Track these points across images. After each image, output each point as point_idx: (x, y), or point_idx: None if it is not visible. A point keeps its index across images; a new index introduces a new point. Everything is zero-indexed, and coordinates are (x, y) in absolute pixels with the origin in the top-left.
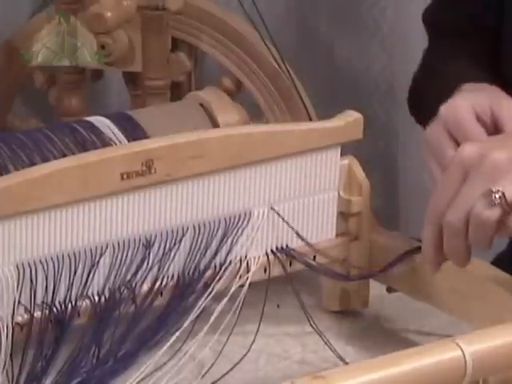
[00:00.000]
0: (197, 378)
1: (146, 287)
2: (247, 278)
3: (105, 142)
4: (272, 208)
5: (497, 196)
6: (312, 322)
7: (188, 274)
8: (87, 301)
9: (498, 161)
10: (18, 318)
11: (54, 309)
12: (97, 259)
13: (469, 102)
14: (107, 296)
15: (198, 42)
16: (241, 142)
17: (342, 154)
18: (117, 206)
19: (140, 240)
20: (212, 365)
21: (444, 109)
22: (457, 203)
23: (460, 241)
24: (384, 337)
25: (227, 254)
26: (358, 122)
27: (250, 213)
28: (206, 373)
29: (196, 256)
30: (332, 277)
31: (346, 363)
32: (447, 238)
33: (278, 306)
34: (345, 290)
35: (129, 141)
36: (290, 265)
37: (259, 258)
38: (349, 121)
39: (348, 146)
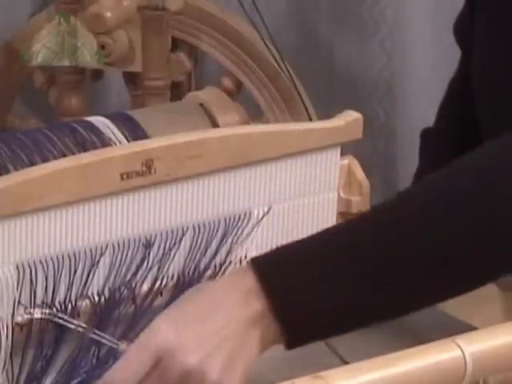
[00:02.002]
0: None
1: (145, 287)
2: None
3: (105, 142)
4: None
5: None
6: None
7: (188, 273)
8: (87, 301)
9: (190, 367)
10: (18, 318)
11: (54, 309)
12: (97, 259)
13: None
14: (107, 296)
15: (198, 42)
16: (241, 142)
17: (341, 154)
18: (117, 206)
19: (140, 240)
20: None
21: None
22: None
23: None
24: (384, 337)
25: (227, 254)
26: (358, 122)
27: (250, 213)
28: None
29: (196, 256)
30: None
31: (346, 363)
32: None
33: None
34: None
35: (129, 141)
36: None
37: None
38: (348, 121)
39: (348, 145)
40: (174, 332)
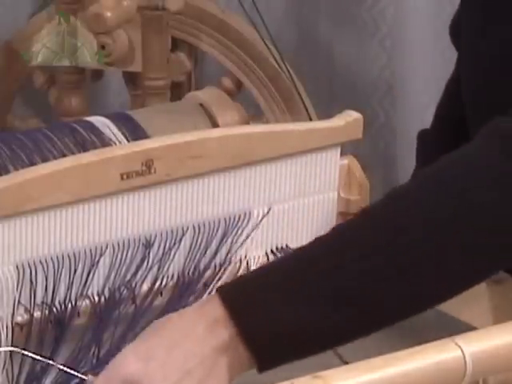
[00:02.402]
0: None
1: (145, 287)
2: None
3: (105, 142)
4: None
5: None
6: None
7: (188, 273)
8: (87, 301)
9: None
10: (18, 318)
11: (54, 309)
12: (97, 259)
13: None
14: (107, 296)
15: (198, 42)
16: (241, 142)
17: (341, 154)
18: (117, 206)
19: (140, 240)
20: None
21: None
22: None
23: None
24: (384, 336)
25: (227, 254)
26: (358, 122)
27: (250, 213)
28: None
29: (196, 256)
30: None
31: (346, 363)
32: None
33: None
34: None
35: (129, 141)
36: None
37: (259, 257)
38: (348, 121)
39: (348, 145)
40: (141, 363)
